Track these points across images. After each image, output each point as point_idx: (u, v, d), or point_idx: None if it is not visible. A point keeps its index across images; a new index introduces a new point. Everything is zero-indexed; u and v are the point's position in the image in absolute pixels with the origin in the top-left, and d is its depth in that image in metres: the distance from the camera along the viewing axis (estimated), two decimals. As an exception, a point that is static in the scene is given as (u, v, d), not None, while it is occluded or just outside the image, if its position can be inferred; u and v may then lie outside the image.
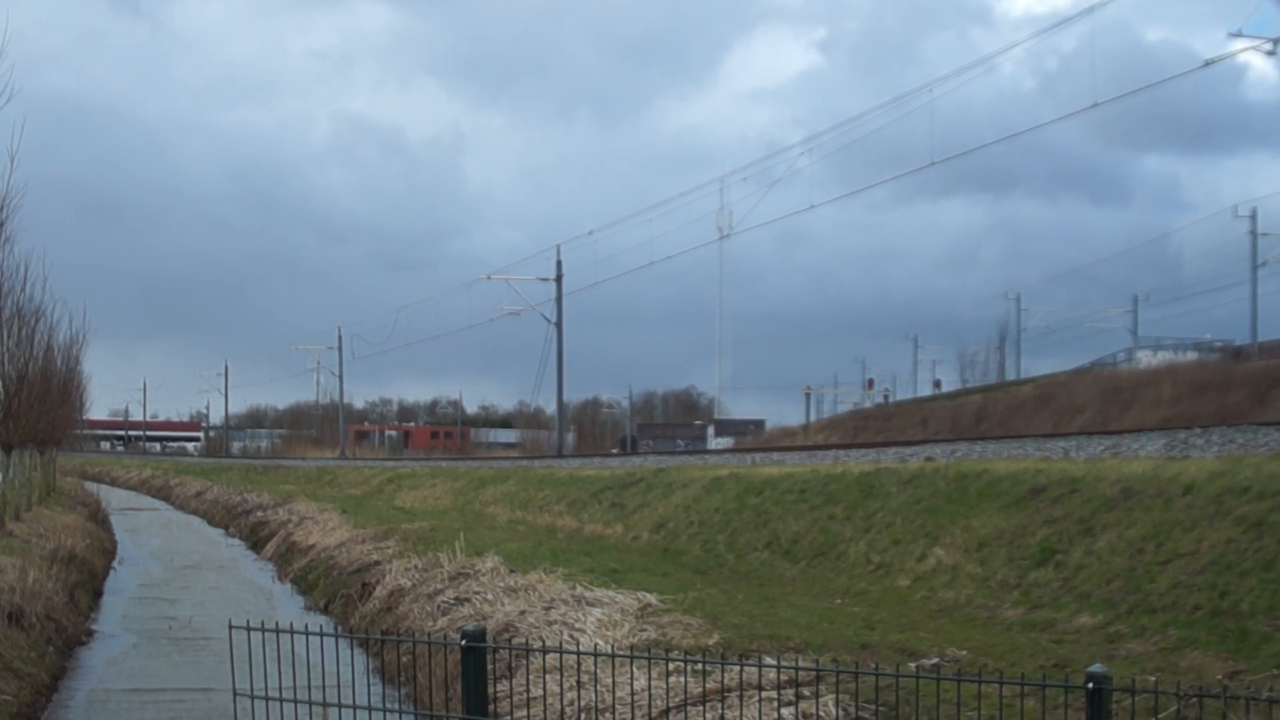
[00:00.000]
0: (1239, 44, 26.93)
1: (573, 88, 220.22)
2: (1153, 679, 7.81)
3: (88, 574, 22.39)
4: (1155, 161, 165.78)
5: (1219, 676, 8.86)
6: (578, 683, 9.08)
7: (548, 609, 13.31)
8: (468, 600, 15.12)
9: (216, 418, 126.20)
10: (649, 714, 8.81)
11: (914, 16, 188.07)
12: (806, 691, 8.67)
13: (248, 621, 7.00)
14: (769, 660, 9.09)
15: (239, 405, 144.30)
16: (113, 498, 51.24)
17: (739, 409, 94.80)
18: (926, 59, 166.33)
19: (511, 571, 16.45)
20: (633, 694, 8.37)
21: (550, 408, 63.91)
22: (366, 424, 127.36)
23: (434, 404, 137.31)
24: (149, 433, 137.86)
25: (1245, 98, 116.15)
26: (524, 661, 10.95)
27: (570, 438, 74.23)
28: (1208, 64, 26.12)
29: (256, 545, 32.74)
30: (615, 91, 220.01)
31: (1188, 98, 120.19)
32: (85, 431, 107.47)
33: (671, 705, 8.91)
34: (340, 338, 79.55)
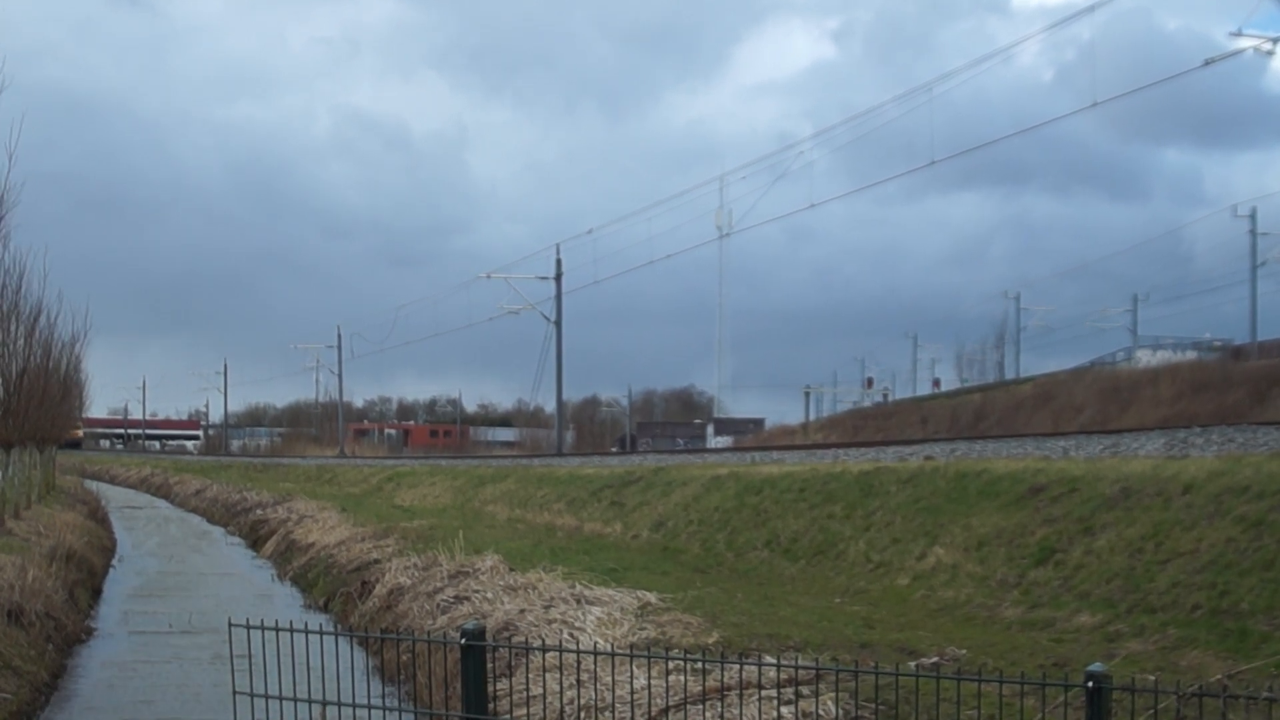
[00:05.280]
0: (1241, 42, 26.93)
1: (578, 80, 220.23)
2: (1152, 678, 7.80)
3: (87, 572, 22.39)
4: (1174, 155, 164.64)
5: (1219, 675, 8.86)
6: (577, 681, 9.09)
7: (547, 607, 13.31)
8: (467, 599, 15.12)
9: (216, 416, 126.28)
10: (649, 712, 8.81)
11: (929, 7, 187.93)
12: (806, 690, 8.67)
13: (247, 620, 7.00)
14: (769, 659, 9.09)
15: (238, 403, 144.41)
16: (112, 496, 51.25)
17: (739, 408, 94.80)
18: (942, 49, 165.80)
19: (511, 570, 16.44)
20: (632, 692, 8.37)
21: (550, 406, 63.93)
22: (366, 422, 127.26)
23: (433, 402, 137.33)
24: (148, 431, 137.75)
25: (1269, 89, 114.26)
26: (524, 660, 10.96)
27: (569, 436, 74.21)
28: (1208, 63, 26.10)
29: (256, 543, 32.74)
30: (622, 84, 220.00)
31: (1208, 88, 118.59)
32: (85, 430, 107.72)
33: (671, 704, 8.91)
34: (340, 336, 79.63)
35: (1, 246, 20.86)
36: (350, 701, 7.29)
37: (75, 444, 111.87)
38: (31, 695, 12.70)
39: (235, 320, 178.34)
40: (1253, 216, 56.72)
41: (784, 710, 8.35)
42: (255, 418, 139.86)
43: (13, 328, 23.18)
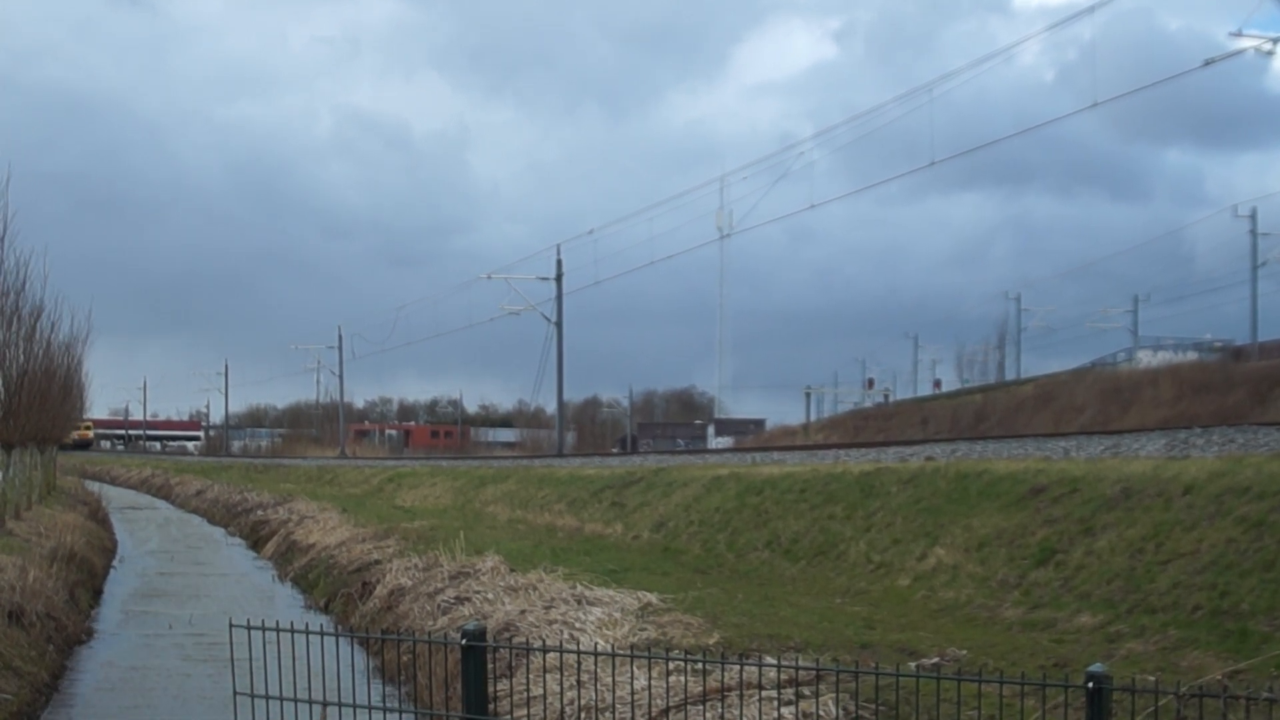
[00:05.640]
0: (1241, 43, 26.91)
1: (580, 80, 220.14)
2: (1153, 679, 7.81)
3: (88, 573, 22.39)
4: (1176, 155, 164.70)
5: (1219, 676, 8.86)
6: (578, 682, 9.09)
7: (548, 608, 13.32)
8: (468, 599, 15.13)
9: (216, 416, 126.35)
10: (649, 713, 8.81)
11: (931, 6, 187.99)
12: (807, 691, 8.67)
13: (248, 620, 7.00)
14: (769, 660, 9.09)
15: (239, 404, 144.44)
16: (113, 496, 51.25)
17: (740, 408, 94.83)
18: (943, 49, 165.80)
19: (512, 570, 16.45)
20: (633, 693, 8.37)
21: (550, 407, 63.97)
22: (367, 423, 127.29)
23: (434, 403, 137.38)
24: (149, 431, 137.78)
25: (1270, 89, 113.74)
26: (524, 660, 10.96)
27: (570, 437, 74.23)
28: (1208, 63, 26.09)
29: (257, 544, 32.74)
30: (623, 84, 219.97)
31: (1209, 89, 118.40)
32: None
33: (672, 704, 8.91)
34: (340, 337, 79.62)
35: (3, 248, 20.87)
36: (350, 702, 7.29)
37: (85, 445, 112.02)
38: (32, 696, 12.71)
39: (235, 320, 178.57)
40: (1253, 217, 56.75)
41: (784, 711, 8.36)
42: (256, 418, 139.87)
43: (13, 329, 23.18)
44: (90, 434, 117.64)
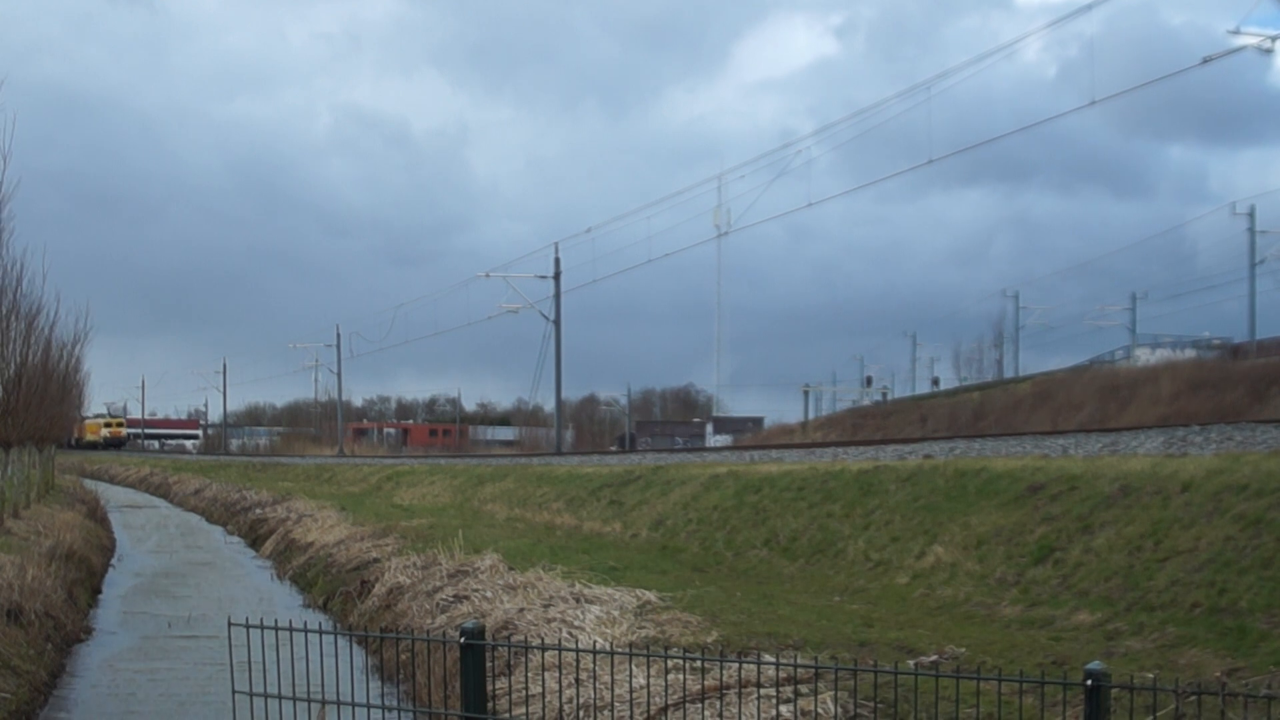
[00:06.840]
0: (1240, 40, 26.85)
1: (580, 77, 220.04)
2: (1151, 676, 7.81)
3: (86, 571, 22.39)
4: (1179, 152, 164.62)
5: (1217, 674, 8.86)
6: (576, 680, 9.09)
7: (546, 606, 13.32)
8: (466, 598, 15.13)
9: (215, 415, 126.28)
10: (648, 711, 8.81)
11: (934, 2, 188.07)
12: (805, 689, 8.68)
13: (246, 619, 7.01)
14: (768, 658, 9.09)
15: (238, 403, 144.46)
16: (111, 495, 51.26)
17: (739, 407, 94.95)
18: (946, 45, 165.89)
19: (510, 569, 16.45)
20: (631, 691, 8.37)
21: (549, 405, 63.89)
22: (365, 421, 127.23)
23: (433, 401, 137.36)
24: (147, 430, 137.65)
25: (1273, 85, 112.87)
26: (523, 659, 10.96)
27: (569, 435, 74.20)
28: (1206, 61, 26.05)
29: (255, 543, 32.75)
30: (623, 81, 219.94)
31: (1212, 84, 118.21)
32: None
33: (670, 702, 8.91)
34: (339, 336, 79.55)
35: (1, 247, 20.87)
36: (350, 701, 7.30)
37: (119, 443, 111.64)
38: (30, 695, 12.70)
39: (235, 319, 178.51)
40: (1251, 214, 56.75)
41: (783, 709, 8.36)
42: (254, 417, 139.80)
43: (12, 327, 23.15)
44: (123, 432, 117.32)
